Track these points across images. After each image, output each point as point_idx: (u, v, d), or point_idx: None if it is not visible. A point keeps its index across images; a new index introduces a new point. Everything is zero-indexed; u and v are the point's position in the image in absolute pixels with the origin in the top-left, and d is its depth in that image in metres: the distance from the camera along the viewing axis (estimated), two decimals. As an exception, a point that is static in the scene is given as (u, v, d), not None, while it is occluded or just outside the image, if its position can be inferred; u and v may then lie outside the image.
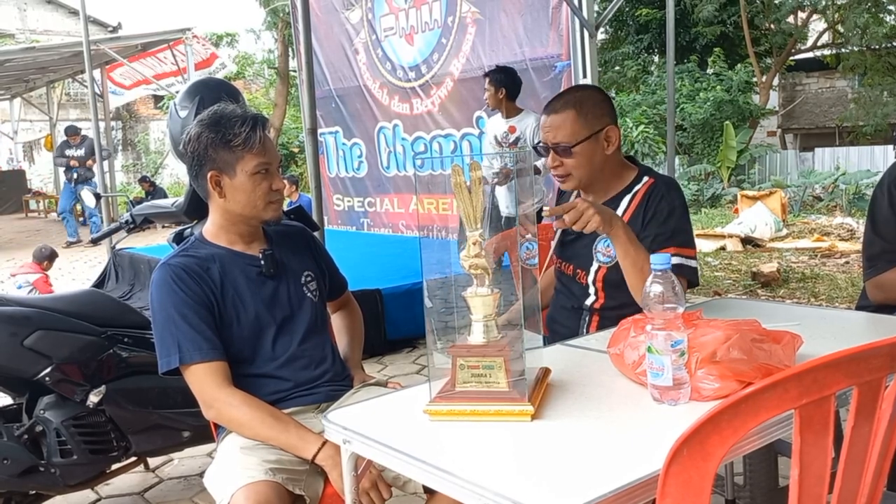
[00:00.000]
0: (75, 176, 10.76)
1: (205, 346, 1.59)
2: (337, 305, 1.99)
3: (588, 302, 1.93)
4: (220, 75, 11.17)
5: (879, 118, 13.72)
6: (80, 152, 10.73)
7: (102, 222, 9.90)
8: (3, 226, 15.16)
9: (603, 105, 1.88)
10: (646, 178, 1.89)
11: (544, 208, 1.67)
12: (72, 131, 10.86)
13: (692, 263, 1.80)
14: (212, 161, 1.63)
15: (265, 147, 1.63)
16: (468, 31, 5.93)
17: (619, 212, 1.86)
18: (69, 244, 10.86)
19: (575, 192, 2.00)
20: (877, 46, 13.27)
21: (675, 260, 1.71)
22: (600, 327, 1.86)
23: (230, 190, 1.64)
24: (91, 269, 8.51)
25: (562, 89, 4.99)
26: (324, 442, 1.48)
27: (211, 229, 1.73)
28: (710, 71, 14.08)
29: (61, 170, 11.68)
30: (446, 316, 1.32)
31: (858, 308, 2.07)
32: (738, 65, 13.96)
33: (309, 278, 1.79)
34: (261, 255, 1.71)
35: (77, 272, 8.69)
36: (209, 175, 1.64)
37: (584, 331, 1.91)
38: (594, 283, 1.90)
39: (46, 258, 6.19)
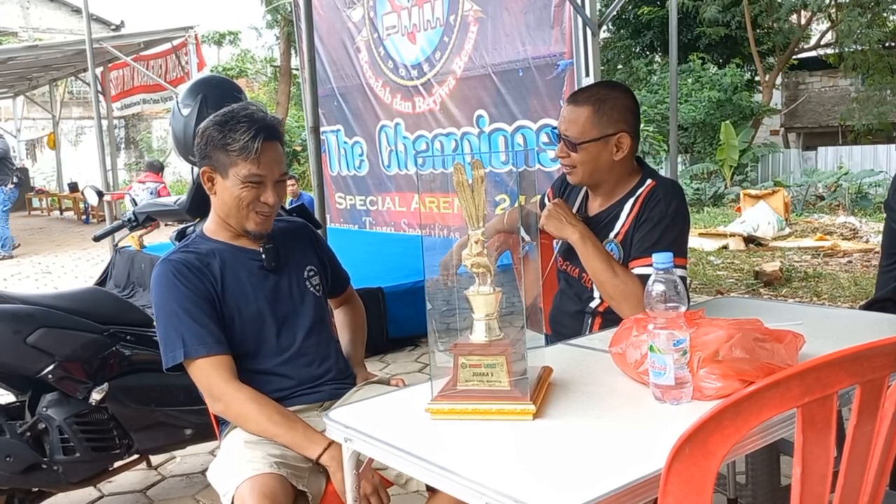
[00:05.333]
0: None
1: (209, 340, 1.58)
2: (340, 301, 1.99)
3: (592, 305, 1.92)
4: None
5: (882, 117, 13.71)
6: None
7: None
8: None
9: (623, 110, 1.85)
10: (648, 182, 1.88)
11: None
12: None
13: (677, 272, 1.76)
14: (209, 158, 1.64)
15: (261, 159, 1.60)
16: (470, 29, 5.92)
17: (623, 216, 1.87)
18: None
19: (583, 190, 2.01)
20: (879, 46, 13.25)
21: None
22: (602, 329, 1.85)
23: (220, 190, 1.65)
24: (94, 267, 8.52)
25: (564, 88, 5.00)
26: (329, 443, 1.48)
27: (211, 226, 1.73)
28: (712, 70, 14.07)
29: None
30: (448, 315, 1.32)
31: (874, 300, 2.06)
32: (728, 65, 13.97)
33: (311, 273, 1.79)
34: (262, 250, 1.72)
35: (79, 270, 8.70)
36: (203, 170, 1.66)
37: (587, 332, 1.91)
38: None
39: (160, 169, 6.81)
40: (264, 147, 1.60)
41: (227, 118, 1.63)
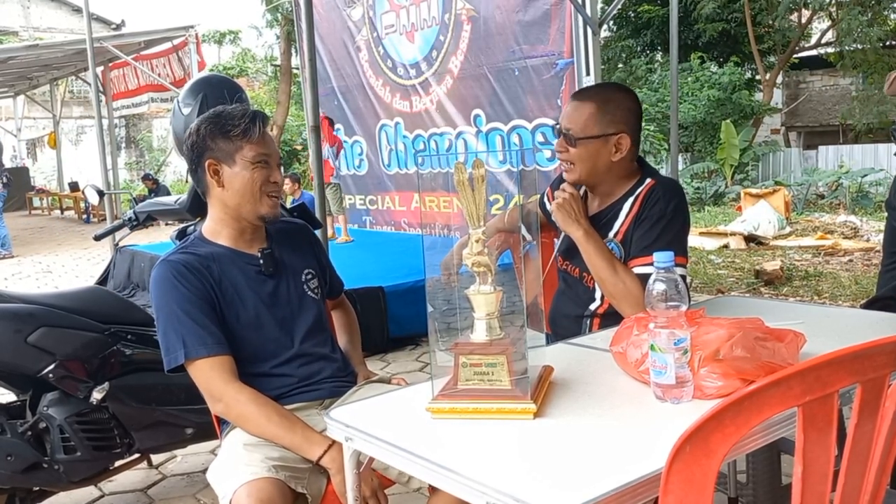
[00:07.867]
0: None
1: (210, 341, 1.58)
2: (334, 304, 2.00)
3: (592, 307, 1.92)
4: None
5: (882, 116, 13.71)
6: None
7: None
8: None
9: (626, 112, 1.85)
10: (648, 181, 1.88)
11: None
12: None
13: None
14: (211, 150, 1.64)
15: (265, 139, 1.65)
16: (464, 28, 5.93)
17: (622, 215, 1.86)
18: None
19: (582, 189, 2.00)
20: (879, 45, 13.25)
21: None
22: (601, 329, 1.85)
23: (228, 179, 1.65)
24: (94, 267, 8.53)
25: (563, 87, 4.99)
26: (329, 444, 1.48)
27: (210, 226, 1.73)
28: (711, 69, 14.08)
29: None
30: (449, 314, 1.32)
31: (875, 299, 2.06)
32: (726, 65, 13.97)
33: (310, 276, 1.79)
34: (260, 255, 1.71)
35: (80, 269, 8.71)
36: (207, 163, 1.65)
37: (586, 334, 1.90)
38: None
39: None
40: (263, 131, 1.65)
41: (218, 112, 1.67)
